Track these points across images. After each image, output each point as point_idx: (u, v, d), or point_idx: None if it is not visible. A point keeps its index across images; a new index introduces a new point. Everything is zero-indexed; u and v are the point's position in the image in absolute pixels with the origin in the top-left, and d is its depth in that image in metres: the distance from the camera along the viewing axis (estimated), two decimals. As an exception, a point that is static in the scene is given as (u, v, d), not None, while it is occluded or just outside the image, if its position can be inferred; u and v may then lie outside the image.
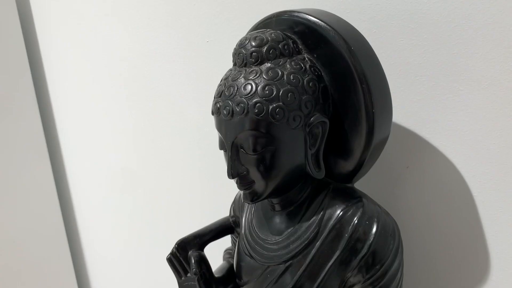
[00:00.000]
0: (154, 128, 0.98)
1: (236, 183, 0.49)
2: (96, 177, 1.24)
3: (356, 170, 0.50)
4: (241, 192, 0.50)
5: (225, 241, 0.68)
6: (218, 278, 0.59)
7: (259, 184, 0.48)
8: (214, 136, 0.81)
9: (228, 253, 0.67)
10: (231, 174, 0.48)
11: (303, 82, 0.45)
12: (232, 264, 0.61)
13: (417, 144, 0.57)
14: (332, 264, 0.48)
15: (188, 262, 0.58)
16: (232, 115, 0.46)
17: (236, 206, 0.63)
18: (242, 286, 0.55)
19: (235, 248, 0.61)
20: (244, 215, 0.58)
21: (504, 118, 0.50)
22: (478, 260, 0.56)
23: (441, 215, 0.57)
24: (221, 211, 0.75)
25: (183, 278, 0.59)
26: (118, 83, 1.04)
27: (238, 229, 0.63)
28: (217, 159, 0.83)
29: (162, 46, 0.88)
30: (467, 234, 0.56)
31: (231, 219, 0.63)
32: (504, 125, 0.50)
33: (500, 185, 0.52)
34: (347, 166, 0.51)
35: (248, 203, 0.52)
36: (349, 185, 0.52)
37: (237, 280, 0.57)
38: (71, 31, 1.14)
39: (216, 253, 0.70)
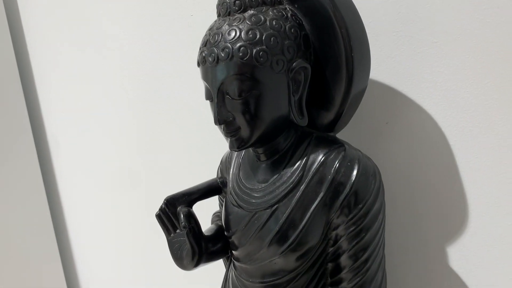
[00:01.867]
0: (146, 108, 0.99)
1: (223, 130, 0.51)
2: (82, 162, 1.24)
3: (336, 119, 0.52)
4: (228, 140, 0.52)
5: (213, 204, 0.70)
6: (207, 236, 0.60)
7: (245, 130, 0.50)
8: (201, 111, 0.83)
9: (216, 216, 0.68)
10: (217, 121, 0.50)
11: (285, 28, 0.48)
12: (221, 226, 0.62)
13: (395, 99, 0.60)
14: (316, 206, 0.50)
15: (177, 219, 0.59)
16: (217, 61, 0.48)
17: (223, 167, 0.64)
18: (231, 238, 0.56)
19: (222, 207, 0.62)
20: (231, 172, 0.60)
21: (475, 66, 0.52)
22: (456, 205, 0.58)
23: (420, 166, 0.60)
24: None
25: (172, 235, 0.60)
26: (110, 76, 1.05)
27: (225, 189, 0.64)
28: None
29: (161, 38, 0.90)
30: (445, 181, 0.58)
31: (218, 180, 0.65)
32: (476, 72, 0.53)
33: (475, 132, 0.54)
34: (329, 115, 0.53)
35: (235, 151, 0.53)
36: (332, 134, 0.54)
37: (225, 233, 0.58)
38: (63, 28, 1.15)
39: (203, 217, 0.71)
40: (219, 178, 0.65)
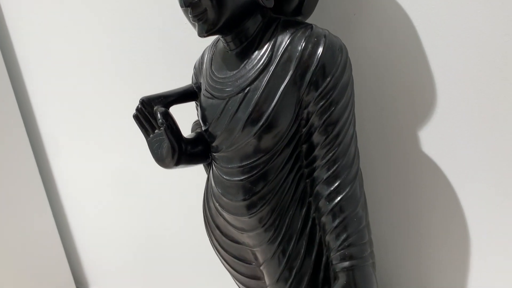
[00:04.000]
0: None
1: (190, 14, 0.52)
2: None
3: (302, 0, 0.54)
4: (196, 26, 0.53)
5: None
6: (187, 139, 0.61)
7: (211, 12, 0.51)
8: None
9: (196, 124, 0.70)
10: (183, 3, 0.50)
11: None
12: (200, 132, 0.64)
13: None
14: (287, 84, 0.51)
15: (155, 118, 0.60)
16: None
17: (197, 71, 0.65)
18: (208, 130, 0.58)
19: (198, 107, 0.63)
20: (204, 71, 0.61)
21: None
22: (424, 86, 0.60)
23: (387, 56, 0.61)
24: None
25: (151, 135, 0.61)
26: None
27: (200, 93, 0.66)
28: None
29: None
30: (412, 70, 0.60)
31: (194, 86, 0.66)
32: None
33: (441, 14, 0.56)
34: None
35: (204, 36, 0.54)
36: (299, 17, 0.55)
37: (202, 127, 0.59)
38: (54, 26, 1.11)
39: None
40: (195, 84, 0.66)
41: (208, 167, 0.68)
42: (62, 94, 1.17)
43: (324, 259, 0.58)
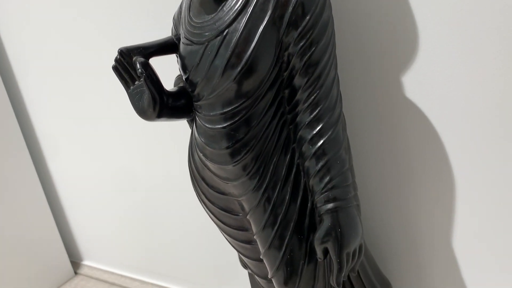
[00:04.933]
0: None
1: None
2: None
3: None
4: None
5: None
6: (169, 91, 0.61)
7: None
8: None
9: (178, 79, 0.69)
10: None
11: None
12: (182, 86, 0.63)
13: None
14: (266, 25, 0.50)
15: (134, 69, 0.59)
16: None
17: (176, 22, 0.64)
18: (189, 78, 0.57)
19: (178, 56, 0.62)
20: (182, 19, 0.60)
21: None
22: (406, 36, 0.59)
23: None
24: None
25: (131, 87, 0.60)
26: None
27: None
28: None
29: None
30: (396, 14, 0.59)
31: (174, 37, 0.64)
32: None
33: None
34: None
35: None
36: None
37: (183, 76, 0.59)
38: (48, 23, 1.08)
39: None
40: (174, 35, 0.64)
41: (191, 123, 0.67)
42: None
43: (309, 205, 0.58)
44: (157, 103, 0.58)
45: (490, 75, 0.57)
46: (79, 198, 1.28)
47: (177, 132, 0.91)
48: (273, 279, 0.61)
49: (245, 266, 0.77)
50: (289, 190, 0.57)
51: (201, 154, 0.60)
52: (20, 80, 1.22)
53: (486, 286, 0.69)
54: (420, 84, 0.62)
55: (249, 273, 0.87)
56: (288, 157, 0.57)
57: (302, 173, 0.57)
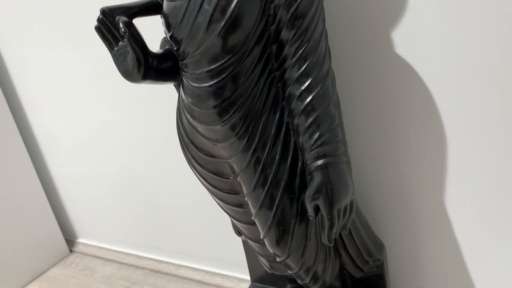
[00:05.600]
0: None
1: None
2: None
3: None
4: None
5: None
6: (154, 53, 0.59)
7: None
8: None
9: (164, 41, 0.67)
10: None
11: None
12: (168, 48, 0.61)
13: None
14: None
15: (117, 29, 0.57)
16: None
17: (161, -19, 0.62)
18: (173, 36, 0.56)
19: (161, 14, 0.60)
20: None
21: None
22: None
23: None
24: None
25: (115, 48, 0.58)
26: None
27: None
28: None
29: None
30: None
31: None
32: None
33: None
34: None
35: None
36: None
37: (167, 35, 0.57)
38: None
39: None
40: (158, -4, 0.63)
41: (179, 87, 0.66)
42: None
43: (300, 164, 0.58)
44: (142, 64, 0.56)
45: (485, 28, 0.56)
46: (71, 176, 1.27)
47: (166, 102, 0.90)
48: (265, 240, 0.61)
49: (238, 233, 0.77)
50: (279, 149, 0.57)
51: (189, 116, 0.59)
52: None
53: (478, 244, 0.70)
54: (409, 38, 0.61)
55: (243, 241, 0.87)
56: (277, 116, 0.56)
57: (292, 132, 0.57)
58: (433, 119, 0.63)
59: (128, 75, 0.58)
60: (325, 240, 0.57)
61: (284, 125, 0.56)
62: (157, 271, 1.16)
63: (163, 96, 0.92)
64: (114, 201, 1.20)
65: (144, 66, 0.57)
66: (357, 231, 0.65)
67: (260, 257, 0.73)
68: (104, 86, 1.02)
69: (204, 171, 0.65)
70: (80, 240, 1.38)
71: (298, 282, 0.67)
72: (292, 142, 0.57)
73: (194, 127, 0.60)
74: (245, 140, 0.57)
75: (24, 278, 1.23)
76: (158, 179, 1.07)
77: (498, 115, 0.59)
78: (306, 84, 0.52)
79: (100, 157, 1.15)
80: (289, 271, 0.65)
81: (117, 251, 1.27)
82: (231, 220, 0.74)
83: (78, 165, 1.22)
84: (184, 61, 0.56)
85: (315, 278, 0.65)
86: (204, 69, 0.54)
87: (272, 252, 0.62)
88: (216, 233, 1.03)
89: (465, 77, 0.59)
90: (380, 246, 0.70)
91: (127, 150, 1.08)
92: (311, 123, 0.53)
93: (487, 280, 0.72)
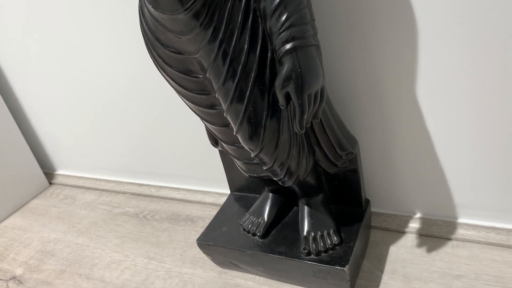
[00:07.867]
0: None
1: None
2: None
3: None
4: None
5: None
6: None
7: None
8: None
9: None
10: None
11: None
12: None
13: None
14: None
15: None
16: None
17: None
18: None
19: None
20: None
21: None
22: None
23: None
24: None
25: None
26: None
27: None
28: None
29: None
30: None
31: None
32: None
33: None
34: None
35: None
36: None
37: None
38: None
39: None
40: None
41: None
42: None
43: (269, 55, 0.56)
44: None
45: None
46: (43, 106, 1.23)
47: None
48: (238, 135, 0.61)
49: (215, 142, 0.77)
50: (247, 38, 0.55)
51: (149, 6, 0.56)
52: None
53: (449, 139, 0.71)
54: None
55: (220, 152, 0.88)
56: (244, 1, 0.53)
57: (259, 19, 0.54)
58: (406, 12, 0.62)
59: None
60: (296, 128, 0.57)
61: (252, 11, 0.54)
62: (138, 194, 1.18)
63: (136, 11, 0.87)
64: (90, 129, 1.18)
65: None
66: (329, 124, 0.66)
67: (236, 161, 0.74)
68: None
69: (173, 70, 0.62)
70: (59, 172, 1.37)
71: (273, 178, 0.68)
72: (260, 31, 0.55)
73: (156, 20, 0.57)
74: (211, 30, 0.54)
75: (6, 210, 1.22)
76: (134, 100, 1.04)
77: (471, 4, 0.58)
78: (272, -37, 0.49)
79: (73, 82, 1.11)
80: (264, 167, 0.65)
81: (96, 179, 1.27)
82: (206, 128, 0.74)
83: (50, 96, 1.18)
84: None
85: (289, 173, 0.67)
86: None
87: (246, 147, 0.62)
88: (194, 152, 1.03)
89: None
90: (353, 141, 0.71)
91: (101, 73, 1.04)
92: (278, 4, 0.51)
93: (459, 175, 0.74)
